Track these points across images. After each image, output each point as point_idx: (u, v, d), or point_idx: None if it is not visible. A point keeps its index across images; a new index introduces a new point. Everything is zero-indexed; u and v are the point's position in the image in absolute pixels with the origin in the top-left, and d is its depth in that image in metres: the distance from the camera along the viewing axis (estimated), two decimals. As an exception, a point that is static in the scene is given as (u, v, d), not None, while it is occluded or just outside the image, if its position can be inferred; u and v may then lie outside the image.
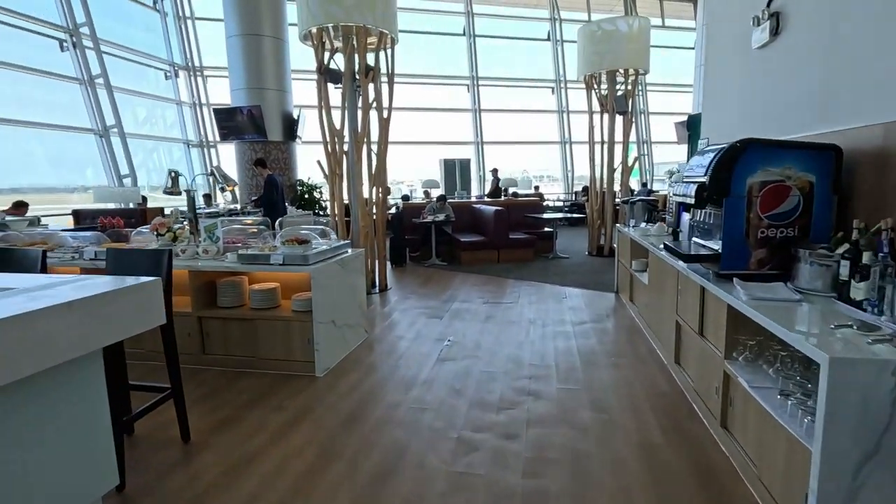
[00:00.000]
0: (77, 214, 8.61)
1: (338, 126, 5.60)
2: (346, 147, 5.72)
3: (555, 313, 4.77)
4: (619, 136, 8.03)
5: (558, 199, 14.77)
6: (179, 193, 4.00)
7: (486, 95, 15.20)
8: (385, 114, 5.84)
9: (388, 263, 7.51)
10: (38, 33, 9.45)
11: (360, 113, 5.62)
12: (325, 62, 5.54)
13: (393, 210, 9.15)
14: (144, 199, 8.76)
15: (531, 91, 16.57)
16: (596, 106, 8.13)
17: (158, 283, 1.86)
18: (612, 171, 8.00)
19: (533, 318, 4.60)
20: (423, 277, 6.72)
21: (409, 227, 7.89)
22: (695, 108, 13.05)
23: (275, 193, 7.10)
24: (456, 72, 15.25)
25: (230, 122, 9.81)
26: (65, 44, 9.85)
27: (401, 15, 5.79)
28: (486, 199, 12.63)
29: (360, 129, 5.61)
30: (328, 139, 5.62)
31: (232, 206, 7.37)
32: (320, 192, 10.88)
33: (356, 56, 5.50)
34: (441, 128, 17.15)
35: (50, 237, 4.00)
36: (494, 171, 13.33)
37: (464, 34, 15.04)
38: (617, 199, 8.30)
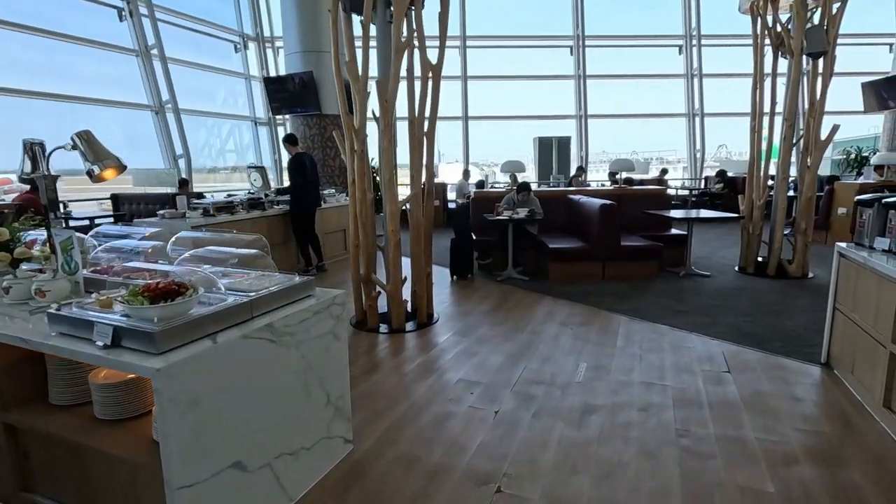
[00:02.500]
0: (115, 199, 7.81)
1: (361, 79, 3.71)
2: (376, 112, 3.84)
3: (718, 413, 2.50)
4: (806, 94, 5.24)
5: (683, 187, 11.72)
6: (38, 177, 2.38)
7: (592, 59, 12.46)
8: (435, 58, 3.83)
9: (450, 276, 5.57)
10: (96, 1, 8.75)
11: (392, 58, 3.68)
12: (344, -21, 3.66)
13: (461, 200, 7.17)
14: (185, 181, 7.69)
15: (652, 51, 13.46)
16: (768, 60, 5.39)
17: None
18: (790, 146, 5.24)
19: (676, 426, 2.38)
20: (491, 302, 4.69)
21: (481, 224, 5.86)
22: (899, 60, 9.31)
23: (301, 178, 5.48)
24: (556, 31, 12.68)
25: (282, 94, 8.44)
26: (123, 12, 9.09)
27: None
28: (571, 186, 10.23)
29: (390, 83, 3.67)
30: (343, 99, 3.78)
31: (256, 195, 5.90)
32: (385, 176, 9.21)
33: (390, -34, 3.55)
34: (536, 100, 14.72)
35: None
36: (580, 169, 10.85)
37: (568, -17, 12.37)
38: (791, 191, 5.54)
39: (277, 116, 10.36)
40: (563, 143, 14.94)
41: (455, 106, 12.10)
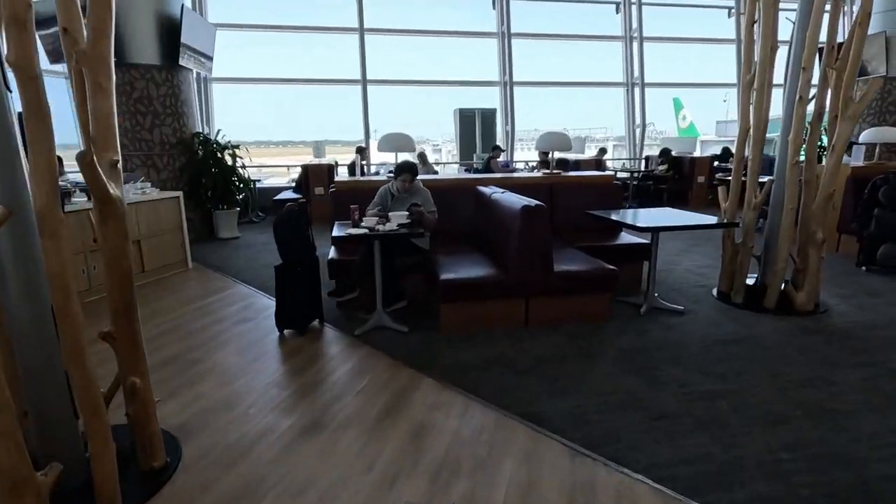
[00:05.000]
0: None
1: None
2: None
3: None
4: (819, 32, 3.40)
5: (623, 169, 10.07)
6: None
7: (518, 14, 10.38)
8: None
9: (277, 331, 3.30)
10: None
11: None
12: None
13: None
14: None
15: (585, 8, 11.62)
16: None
17: None
18: (804, 112, 3.41)
19: None
20: (319, 399, 2.49)
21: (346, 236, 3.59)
22: None
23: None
24: (476, -23, 10.44)
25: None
26: None
27: None
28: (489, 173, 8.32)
29: None
30: None
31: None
32: (240, 159, 6.66)
33: None
34: (455, 64, 12.55)
35: None
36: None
37: (488, -85, 10.13)
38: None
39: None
40: (488, 116, 12.89)
41: (351, 66, 9.62)
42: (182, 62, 5.94)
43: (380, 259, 3.28)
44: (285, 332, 3.30)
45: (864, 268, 4.63)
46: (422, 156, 8.58)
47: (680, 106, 22.51)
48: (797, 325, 3.32)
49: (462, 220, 4.23)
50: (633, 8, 10.71)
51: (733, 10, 11.79)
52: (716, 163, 9.31)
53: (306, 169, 7.65)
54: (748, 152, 3.72)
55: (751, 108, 3.61)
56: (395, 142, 4.32)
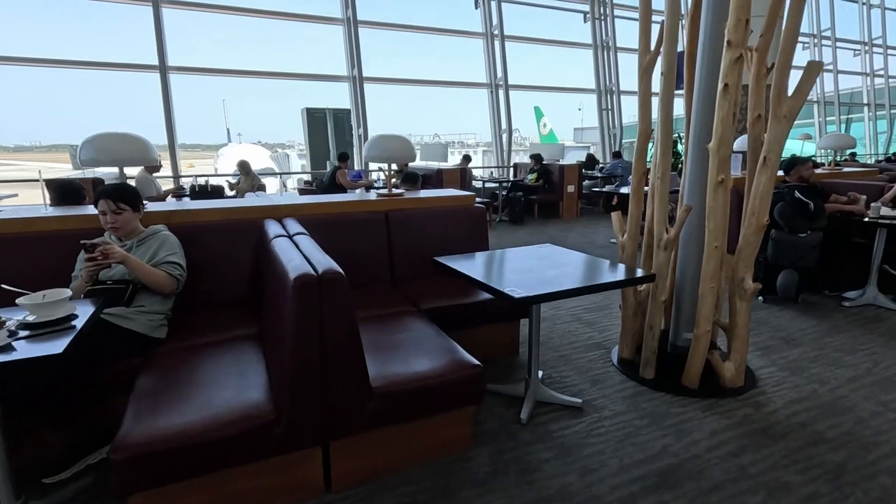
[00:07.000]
0: None
1: None
2: None
3: None
4: None
5: (492, 179, 9.09)
6: None
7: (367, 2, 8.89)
8: None
9: None
10: None
11: None
12: None
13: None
14: None
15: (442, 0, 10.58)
16: None
17: None
18: (727, 107, 2.37)
19: None
20: None
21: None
22: None
23: None
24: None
25: None
26: None
27: None
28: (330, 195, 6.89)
29: None
30: None
31: None
32: None
33: None
34: (302, 55, 10.68)
35: None
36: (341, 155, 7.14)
37: None
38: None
39: None
40: (341, 117, 11.29)
41: (145, 50, 7.29)
42: None
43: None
44: None
45: (760, 298, 3.94)
46: (243, 165, 6.71)
47: (540, 114, 23.18)
48: (739, 424, 2.25)
49: (238, 284, 2.58)
50: (493, 4, 9.90)
51: (588, 15, 11.66)
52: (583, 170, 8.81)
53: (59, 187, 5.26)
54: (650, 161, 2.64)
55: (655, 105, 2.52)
56: (112, 148, 2.48)
